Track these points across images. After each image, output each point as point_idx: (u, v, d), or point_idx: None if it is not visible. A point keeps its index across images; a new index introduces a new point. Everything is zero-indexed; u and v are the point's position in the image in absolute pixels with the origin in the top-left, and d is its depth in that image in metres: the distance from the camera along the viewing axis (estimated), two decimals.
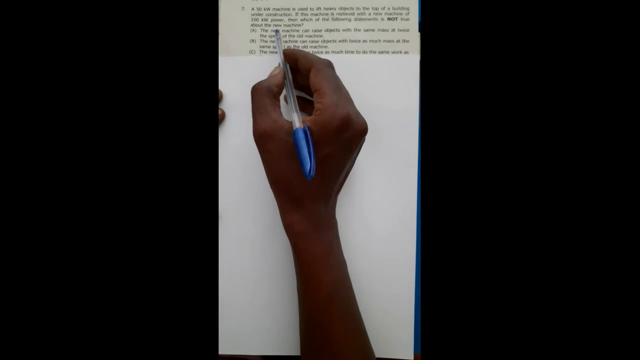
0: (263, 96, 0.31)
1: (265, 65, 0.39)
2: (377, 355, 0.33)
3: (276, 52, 0.40)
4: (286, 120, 0.31)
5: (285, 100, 0.36)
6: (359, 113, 0.32)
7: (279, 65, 0.36)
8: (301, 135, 0.28)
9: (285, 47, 0.39)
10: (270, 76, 0.34)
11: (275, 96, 0.32)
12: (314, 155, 0.28)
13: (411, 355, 0.37)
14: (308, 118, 0.30)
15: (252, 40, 0.40)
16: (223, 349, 0.37)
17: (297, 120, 0.29)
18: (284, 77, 0.34)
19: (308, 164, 0.27)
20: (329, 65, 0.33)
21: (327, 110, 0.30)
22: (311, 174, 0.27)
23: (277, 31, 0.38)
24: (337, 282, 0.32)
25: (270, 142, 0.30)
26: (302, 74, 0.34)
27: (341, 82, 0.33)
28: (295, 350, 0.37)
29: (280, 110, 0.32)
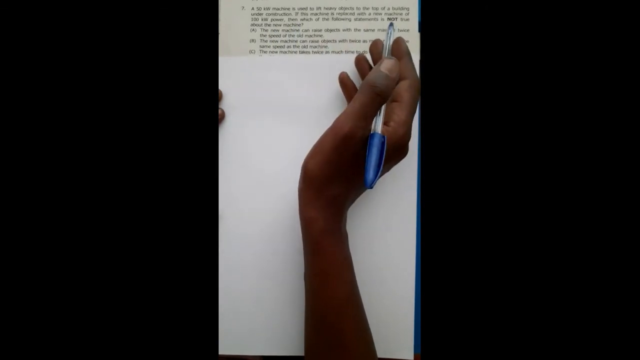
0: (377, 102, 0.29)
1: (265, 65, 0.39)
2: (378, 355, 0.33)
3: (278, 52, 0.40)
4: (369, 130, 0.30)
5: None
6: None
7: (390, 58, 0.31)
8: (378, 141, 0.28)
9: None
10: (388, 76, 0.29)
11: (384, 103, 0.30)
12: (381, 166, 0.28)
13: (411, 355, 0.37)
14: (383, 127, 0.30)
15: (252, 40, 0.40)
16: (223, 349, 0.37)
17: (380, 125, 0.29)
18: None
19: (376, 173, 0.27)
20: (419, 88, 0.32)
21: (402, 126, 0.30)
22: (372, 185, 0.27)
23: (391, 24, 0.35)
24: (354, 282, 0.33)
25: (351, 147, 0.29)
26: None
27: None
28: (295, 350, 0.37)
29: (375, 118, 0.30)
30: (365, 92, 0.29)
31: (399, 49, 0.33)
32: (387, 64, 0.30)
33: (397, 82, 0.31)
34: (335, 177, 0.30)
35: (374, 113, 0.29)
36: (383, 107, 0.30)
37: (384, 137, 0.28)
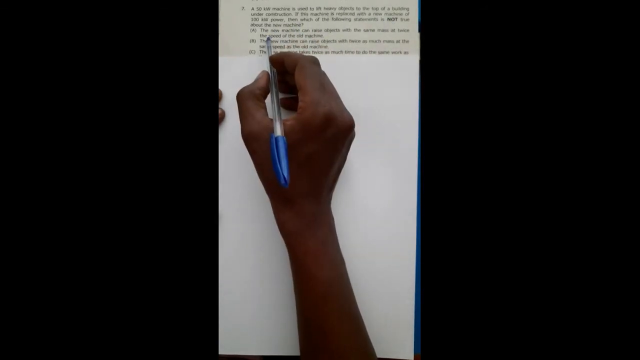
0: (246, 99, 0.32)
1: (265, 66, 0.39)
2: (377, 355, 0.33)
3: (278, 52, 0.40)
4: (271, 120, 0.31)
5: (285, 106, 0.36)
6: (344, 109, 0.32)
7: (266, 68, 0.36)
8: (277, 144, 0.28)
9: (280, 51, 0.39)
10: (256, 79, 0.34)
11: (259, 98, 0.33)
12: (287, 163, 0.28)
13: (411, 356, 0.37)
14: (291, 116, 0.30)
15: (252, 40, 0.40)
16: (223, 349, 0.37)
17: (278, 127, 0.29)
18: (268, 81, 0.34)
19: (280, 174, 0.28)
20: (313, 61, 0.33)
21: (308, 108, 0.30)
22: (285, 183, 0.27)
23: (268, 39, 0.39)
24: (332, 279, 0.32)
25: (256, 142, 0.31)
26: (291, 75, 0.34)
27: (327, 79, 0.33)
28: (295, 350, 0.37)
29: (265, 112, 0.32)
30: (237, 101, 0.33)
31: (277, 58, 0.35)
32: (257, 76, 0.35)
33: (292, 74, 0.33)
34: (274, 177, 0.30)
35: (251, 108, 0.31)
36: (277, 107, 0.32)
37: (276, 137, 0.29)
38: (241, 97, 0.33)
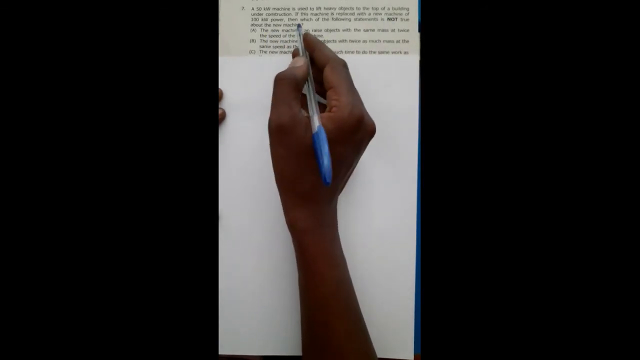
0: (287, 87, 0.30)
1: (265, 65, 0.39)
2: (377, 355, 0.33)
3: (278, 52, 0.40)
4: (304, 116, 0.30)
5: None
6: (368, 113, 0.32)
7: (301, 55, 0.35)
8: (323, 137, 0.27)
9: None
10: (294, 67, 0.32)
11: (299, 89, 0.31)
12: (329, 161, 0.27)
13: (411, 356, 0.37)
14: (323, 114, 0.30)
15: (252, 40, 0.40)
16: (223, 349, 0.37)
17: (317, 121, 0.29)
18: (308, 70, 0.33)
19: (329, 170, 0.27)
20: (344, 64, 0.33)
21: (344, 108, 0.29)
22: (328, 180, 0.27)
23: (299, 25, 0.38)
24: (340, 279, 0.32)
25: (287, 137, 0.29)
26: (315, 68, 0.34)
27: (352, 83, 0.33)
28: (295, 350, 0.37)
29: (300, 105, 0.31)
30: (274, 84, 0.31)
31: (308, 44, 0.35)
32: (293, 61, 0.34)
33: (322, 70, 0.32)
34: (295, 173, 0.30)
35: (289, 97, 0.30)
36: (314, 102, 0.31)
37: (322, 131, 0.28)
38: (282, 83, 0.30)
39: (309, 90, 0.33)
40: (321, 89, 0.33)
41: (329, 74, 0.31)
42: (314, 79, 0.35)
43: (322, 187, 0.31)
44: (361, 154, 0.33)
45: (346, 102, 0.30)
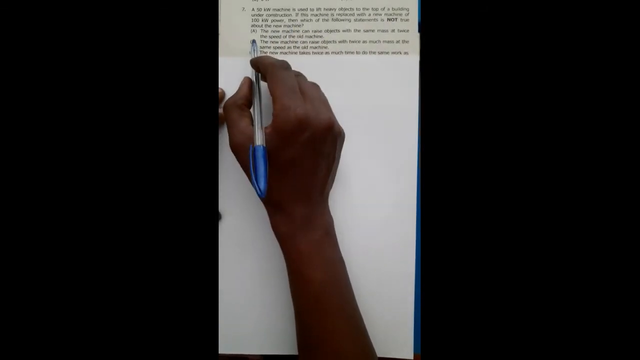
0: (230, 111, 0.33)
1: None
2: (377, 355, 0.33)
3: (278, 53, 0.40)
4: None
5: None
6: (322, 111, 0.32)
7: (246, 76, 0.37)
8: (254, 154, 0.29)
9: (263, 54, 0.39)
10: (237, 89, 0.35)
11: (242, 108, 0.33)
12: (264, 173, 0.28)
13: (411, 355, 0.37)
14: (268, 125, 0.31)
15: (253, 41, 0.40)
16: (223, 349, 0.37)
17: (258, 136, 0.30)
18: (250, 87, 0.35)
19: (255, 185, 0.28)
20: (282, 66, 0.33)
21: (280, 114, 0.30)
22: (262, 193, 0.28)
23: (253, 41, 0.39)
24: (326, 281, 0.32)
25: (242, 152, 0.31)
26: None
27: (303, 81, 0.33)
28: (295, 350, 0.37)
29: (249, 120, 0.32)
30: (223, 112, 0.34)
31: (255, 62, 0.36)
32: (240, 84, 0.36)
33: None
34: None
35: (236, 119, 0.32)
36: (258, 117, 0.32)
37: (256, 147, 0.29)
38: (226, 108, 0.33)
39: (254, 105, 0.34)
40: None
41: (268, 83, 0.32)
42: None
43: (288, 192, 0.31)
44: (324, 152, 0.32)
45: (281, 107, 0.30)
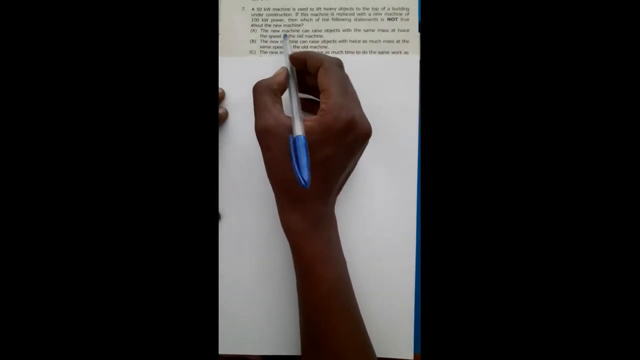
0: (263, 94, 0.32)
1: (265, 66, 0.39)
2: (377, 355, 0.33)
3: (278, 53, 0.40)
4: (288, 118, 0.30)
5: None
6: (364, 116, 0.32)
7: (286, 65, 0.36)
8: (297, 143, 0.28)
9: (293, 50, 0.39)
10: (274, 74, 0.34)
11: (276, 93, 0.32)
12: (307, 164, 0.28)
13: (411, 355, 0.37)
14: (312, 118, 0.30)
15: (253, 41, 0.40)
16: (223, 349, 0.37)
17: (298, 127, 0.29)
18: (287, 77, 0.34)
19: (306, 174, 0.27)
20: (338, 64, 0.32)
21: (332, 111, 0.29)
22: (306, 184, 0.27)
23: (285, 35, 0.39)
24: (337, 279, 0.32)
25: (272, 138, 0.30)
26: (312, 75, 0.34)
27: (350, 83, 0.33)
28: (295, 350, 0.37)
29: (281, 108, 0.32)
30: (253, 94, 0.32)
31: (299, 54, 0.34)
32: (276, 72, 0.34)
33: (316, 74, 0.33)
34: (286, 174, 0.30)
35: (268, 103, 0.31)
36: (296, 108, 0.31)
37: (298, 137, 0.28)
38: (258, 90, 0.32)
39: (290, 96, 0.33)
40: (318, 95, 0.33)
41: (321, 76, 0.32)
42: (313, 89, 0.35)
43: (314, 189, 0.31)
44: (356, 157, 0.32)
45: (334, 104, 0.30)
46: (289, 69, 0.35)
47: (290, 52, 0.36)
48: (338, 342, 0.31)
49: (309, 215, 0.31)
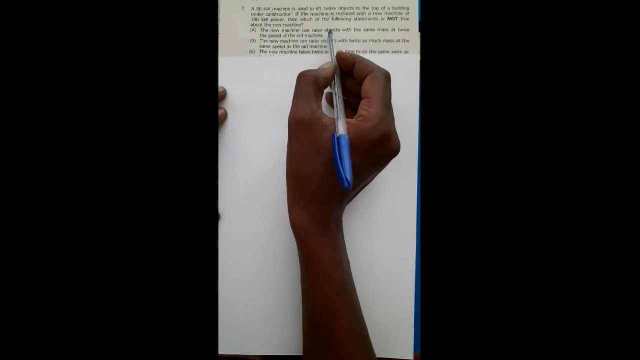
0: (308, 84, 0.31)
1: (265, 65, 0.39)
2: (377, 355, 0.33)
3: (278, 52, 0.40)
4: (325, 115, 0.30)
5: (328, 101, 0.35)
6: (397, 134, 0.32)
7: (331, 61, 0.35)
8: (341, 142, 0.28)
9: (344, 52, 0.38)
10: (320, 68, 0.33)
11: (320, 88, 0.32)
12: (350, 165, 0.27)
13: (411, 355, 0.37)
14: (349, 120, 0.30)
15: (252, 40, 0.40)
16: (223, 349, 0.37)
17: (342, 126, 0.29)
18: (334, 73, 0.33)
19: (349, 175, 0.27)
20: (387, 76, 0.32)
21: (371, 120, 0.29)
22: (349, 185, 0.27)
23: (330, 32, 0.39)
24: (345, 282, 0.32)
25: (304, 131, 0.30)
26: (353, 80, 0.34)
27: (391, 98, 0.32)
28: (295, 350, 0.37)
29: (321, 103, 0.31)
30: (296, 81, 0.32)
31: (348, 56, 0.34)
32: (324, 65, 0.34)
33: (360, 80, 0.32)
34: (306, 170, 0.30)
35: (309, 94, 0.30)
36: (341, 107, 0.31)
37: (343, 136, 0.28)
38: (303, 80, 0.31)
39: (335, 94, 0.33)
40: (357, 102, 0.33)
41: (368, 84, 0.31)
42: (352, 92, 0.35)
43: (330, 191, 0.30)
44: (378, 171, 0.32)
45: (375, 113, 0.29)
46: (336, 66, 0.34)
47: (335, 51, 0.35)
48: (343, 344, 0.31)
49: (320, 216, 0.31)
